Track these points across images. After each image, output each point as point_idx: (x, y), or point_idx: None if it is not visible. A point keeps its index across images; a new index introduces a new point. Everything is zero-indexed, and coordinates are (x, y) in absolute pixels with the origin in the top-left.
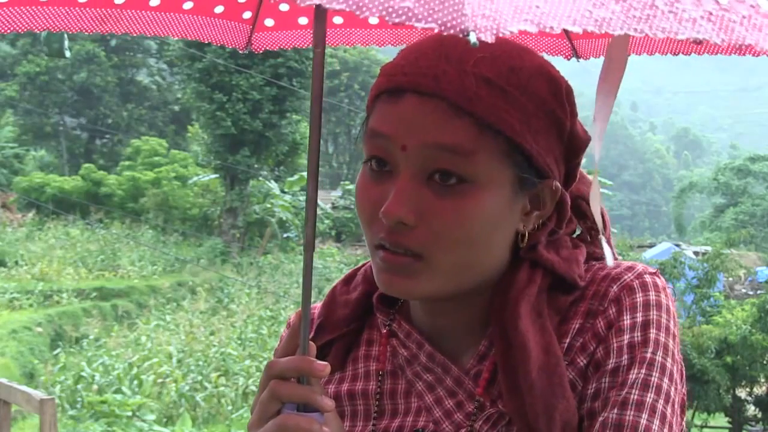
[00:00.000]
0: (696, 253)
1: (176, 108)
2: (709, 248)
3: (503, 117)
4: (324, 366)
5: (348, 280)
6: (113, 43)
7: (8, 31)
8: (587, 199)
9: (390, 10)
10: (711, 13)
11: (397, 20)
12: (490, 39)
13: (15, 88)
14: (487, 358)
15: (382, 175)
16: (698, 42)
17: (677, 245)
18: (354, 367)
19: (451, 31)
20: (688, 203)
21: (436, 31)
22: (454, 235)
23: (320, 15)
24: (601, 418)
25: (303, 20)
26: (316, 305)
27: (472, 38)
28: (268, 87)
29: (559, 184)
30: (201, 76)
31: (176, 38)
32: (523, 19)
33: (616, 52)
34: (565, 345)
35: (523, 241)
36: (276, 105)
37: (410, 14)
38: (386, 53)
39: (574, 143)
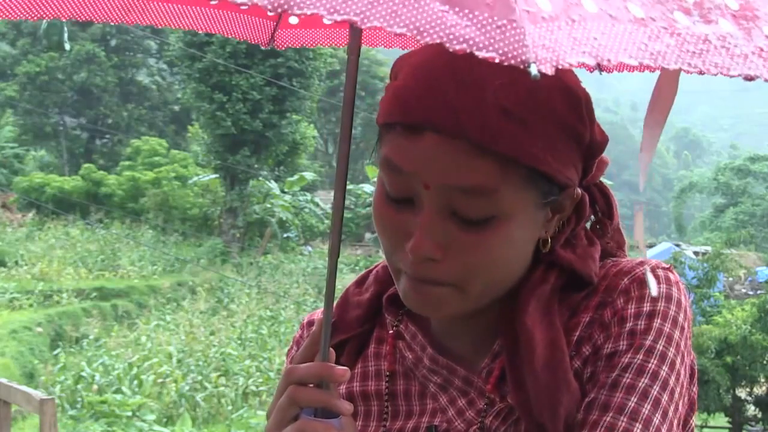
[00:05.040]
0: (696, 253)
1: (176, 108)
2: (709, 248)
3: (526, 149)
4: (344, 372)
5: (360, 281)
6: (113, 43)
7: (35, 18)
8: (599, 184)
9: (451, 36)
10: (762, 49)
11: (458, 47)
12: (550, 71)
13: (15, 88)
14: (500, 356)
15: (404, 202)
16: (750, 79)
17: (677, 245)
18: (363, 365)
19: (512, 62)
20: (688, 203)
21: (497, 61)
22: (483, 265)
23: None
24: (588, 399)
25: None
26: None
27: (533, 70)
28: (268, 87)
29: (579, 191)
30: (201, 76)
31: (201, 32)
32: (582, 51)
33: (666, 86)
34: (575, 337)
35: (546, 247)
36: (276, 105)
37: (471, 42)
38: (387, 53)
39: (593, 148)
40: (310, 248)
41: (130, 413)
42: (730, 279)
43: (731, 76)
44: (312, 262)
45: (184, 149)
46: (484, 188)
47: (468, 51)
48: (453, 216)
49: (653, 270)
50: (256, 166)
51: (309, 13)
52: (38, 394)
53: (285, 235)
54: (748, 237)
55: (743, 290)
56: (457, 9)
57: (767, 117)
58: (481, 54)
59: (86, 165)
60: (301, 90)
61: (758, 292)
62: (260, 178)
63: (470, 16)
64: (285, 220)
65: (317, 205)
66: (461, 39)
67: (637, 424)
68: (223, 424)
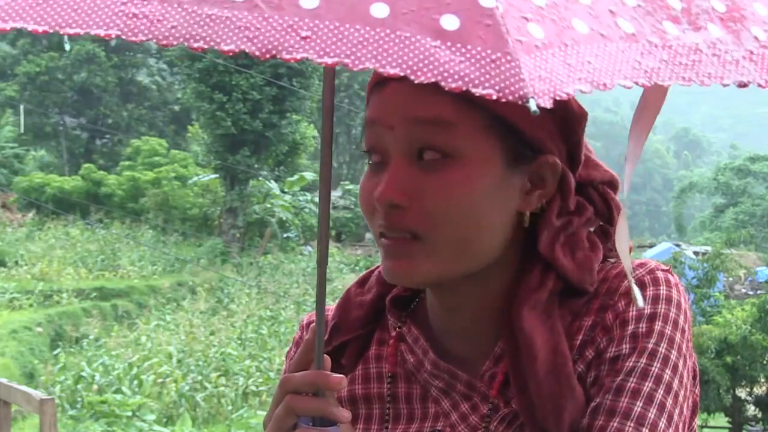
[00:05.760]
0: (696, 253)
1: (176, 108)
2: (709, 248)
3: None
4: (340, 379)
5: (362, 282)
6: (113, 43)
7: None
8: (597, 184)
9: (446, 74)
10: (752, 52)
11: (453, 85)
12: (548, 104)
13: (15, 88)
14: (502, 360)
15: (379, 167)
16: (743, 85)
17: (677, 245)
18: (365, 367)
19: (510, 98)
20: (688, 203)
21: (494, 98)
22: (444, 212)
23: None
24: (593, 404)
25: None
26: (330, 307)
27: (532, 106)
28: (268, 87)
29: (557, 160)
30: (201, 76)
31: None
32: (578, 78)
33: (653, 98)
34: (578, 342)
35: (526, 222)
36: (276, 105)
37: (467, 79)
38: None
39: (568, 118)
40: (310, 248)
41: (130, 413)
42: (730, 279)
43: (725, 85)
44: (312, 262)
45: (184, 149)
46: (442, 120)
47: (464, 88)
48: (418, 162)
49: (652, 272)
50: (256, 166)
51: (299, 57)
52: (38, 394)
53: (285, 235)
54: (748, 237)
55: (743, 290)
56: (449, 44)
57: (767, 117)
58: (478, 91)
59: (86, 165)
60: (301, 90)
61: (758, 292)
62: (260, 178)
63: (463, 50)
64: (285, 220)
65: (317, 205)
66: (456, 76)
67: (644, 429)
68: (223, 424)
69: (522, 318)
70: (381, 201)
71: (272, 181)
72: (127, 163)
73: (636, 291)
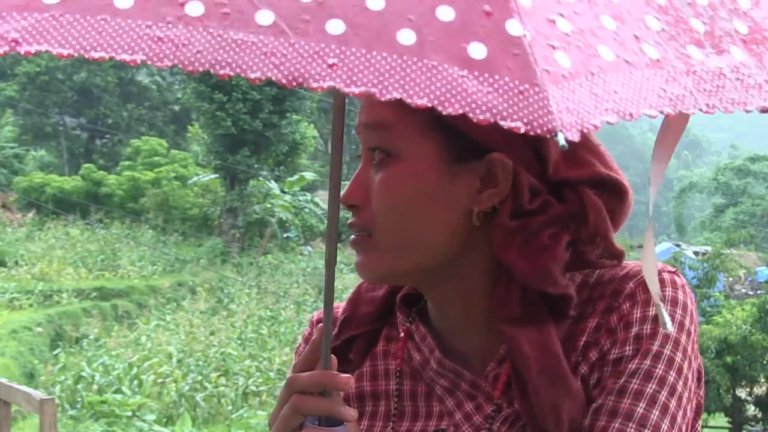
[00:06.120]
0: (696, 253)
1: (176, 108)
2: (709, 248)
3: None
4: (347, 379)
5: None
6: None
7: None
8: (574, 184)
9: (474, 105)
10: None
11: (481, 117)
12: (576, 137)
13: (15, 88)
14: (506, 360)
15: None
16: (766, 111)
17: (677, 245)
18: (372, 364)
19: (538, 131)
20: (688, 203)
21: (522, 131)
22: (384, 207)
23: None
24: (595, 405)
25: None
26: (338, 305)
27: (561, 140)
28: (268, 87)
29: (506, 158)
30: (201, 76)
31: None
32: (604, 109)
33: (675, 120)
34: (581, 342)
35: (479, 221)
36: (276, 105)
37: (495, 111)
38: None
39: None
40: (310, 248)
41: (130, 413)
42: (730, 279)
43: (748, 111)
44: (312, 262)
45: (184, 149)
46: (381, 123)
47: (492, 121)
48: (372, 162)
49: (659, 273)
50: (256, 166)
51: (326, 86)
52: (38, 394)
53: (285, 235)
54: (748, 237)
55: (743, 290)
56: (476, 73)
57: (767, 117)
58: (506, 124)
59: (86, 165)
60: (301, 90)
61: (758, 292)
62: (260, 178)
63: (491, 80)
64: (285, 220)
65: (317, 205)
66: (484, 108)
67: (646, 431)
68: (223, 424)
69: (502, 327)
70: (342, 203)
71: (272, 181)
72: (127, 163)
73: (664, 314)
